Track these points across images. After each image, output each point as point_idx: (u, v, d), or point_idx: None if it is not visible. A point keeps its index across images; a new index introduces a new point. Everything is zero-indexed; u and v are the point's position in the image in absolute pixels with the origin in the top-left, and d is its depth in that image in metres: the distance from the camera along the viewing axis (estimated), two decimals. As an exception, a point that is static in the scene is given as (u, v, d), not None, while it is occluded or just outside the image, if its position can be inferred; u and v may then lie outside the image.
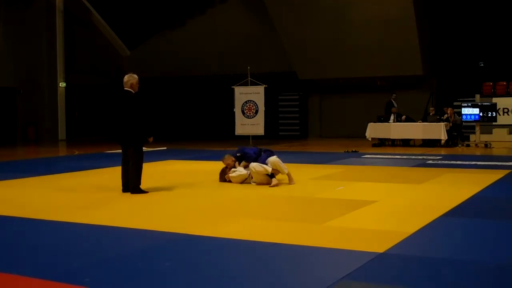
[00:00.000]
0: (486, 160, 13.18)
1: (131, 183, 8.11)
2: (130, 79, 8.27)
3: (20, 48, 23.22)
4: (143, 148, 8.43)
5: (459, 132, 17.60)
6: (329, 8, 20.34)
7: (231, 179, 9.06)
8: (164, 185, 8.95)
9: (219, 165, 9.52)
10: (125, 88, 8.23)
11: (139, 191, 8.09)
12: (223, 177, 9.21)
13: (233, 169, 9.13)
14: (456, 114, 17.60)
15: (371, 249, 4.78)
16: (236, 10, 24.70)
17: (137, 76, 8.40)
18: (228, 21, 24.60)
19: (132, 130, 8.09)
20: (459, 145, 17.22)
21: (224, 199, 7.74)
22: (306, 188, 8.55)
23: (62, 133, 23.95)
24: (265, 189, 8.45)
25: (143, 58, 26.26)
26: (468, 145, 17.28)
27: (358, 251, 4.77)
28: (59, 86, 23.90)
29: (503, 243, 5.19)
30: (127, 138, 8.16)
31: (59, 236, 5.59)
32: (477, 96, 19.65)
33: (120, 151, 8.46)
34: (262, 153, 9.14)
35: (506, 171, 10.41)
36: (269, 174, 8.78)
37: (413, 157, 13.71)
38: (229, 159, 9.26)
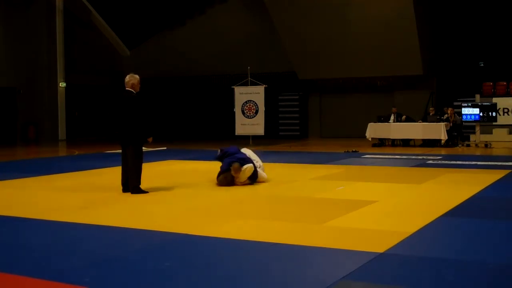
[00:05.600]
0: (486, 160, 13.18)
1: (131, 183, 8.12)
2: (131, 79, 8.27)
3: (20, 48, 23.21)
4: (143, 148, 8.44)
5: (459, 132, 17.60)
6: (329, 8, 20.33)
7: (241, 180, 8.86)
8: (164, 185, 8.95)
9: (218, 165, 9.46)
10: (126, 88, 8.24)
11: (139, 191, 8.10)
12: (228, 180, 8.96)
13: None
14: (456, 114, 17.60)
15: (371, 249, 4.77)
16: (236, 10, 24.70)
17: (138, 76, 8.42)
18: (228, 21, 24.59)
19: (133, 130, 8.10)
20: (459, 145, 17.22)
21: (224, 199, 7.73)
22: (306, 188, 8.55)
23: (62, 133, 23.94)
24: (264, 189, 8.45)
25: (143, 58, 26.27)
26: (468, 145, 17.28)
27: (358, 251, 4.77)
28: (59, 86, 23.89)
29: (503, 243, 5.19)
30: (127, 137, 8.16)
31: (59, 236, 5.59)
32: (477, 96, 19.64)
33: (120, 151, 8.47)
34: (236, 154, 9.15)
35: (506, 171, 10.41)
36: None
37: (413, 157, 13.71)
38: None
